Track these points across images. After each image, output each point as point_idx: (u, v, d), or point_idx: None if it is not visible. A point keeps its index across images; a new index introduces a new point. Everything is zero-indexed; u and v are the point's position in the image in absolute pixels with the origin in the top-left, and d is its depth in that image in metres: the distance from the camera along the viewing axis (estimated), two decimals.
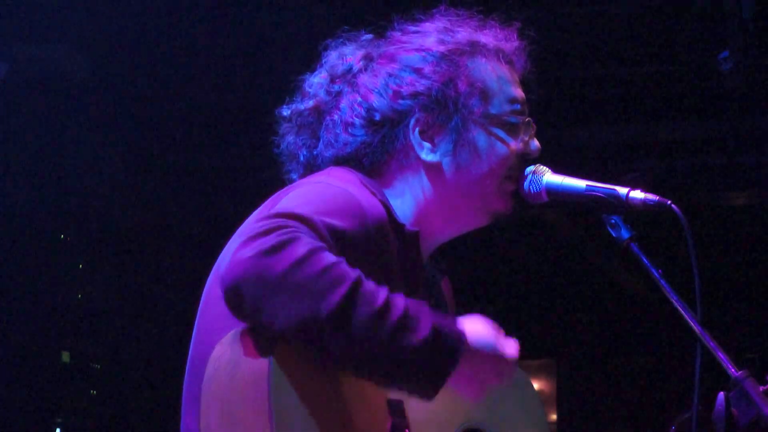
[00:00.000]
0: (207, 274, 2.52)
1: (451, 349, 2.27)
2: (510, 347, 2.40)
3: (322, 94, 2.70)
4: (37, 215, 6.61)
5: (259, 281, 2.15)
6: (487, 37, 2.71)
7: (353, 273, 2.20)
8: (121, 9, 5.88)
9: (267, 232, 2.18)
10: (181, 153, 7.18)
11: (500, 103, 2.66)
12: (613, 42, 6.37)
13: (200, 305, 2.49)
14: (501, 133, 2.64)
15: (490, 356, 2.35)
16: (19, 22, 5.90)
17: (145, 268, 7.37)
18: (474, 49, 2.67)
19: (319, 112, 2.70)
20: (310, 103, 2.71)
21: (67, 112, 6.58)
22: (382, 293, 2.22)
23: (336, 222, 2.32)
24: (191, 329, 2.51)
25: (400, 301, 2.24)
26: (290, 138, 2.73)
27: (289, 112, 2.74)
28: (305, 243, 2.18)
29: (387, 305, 2.21)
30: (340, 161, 2.65)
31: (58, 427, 6.74)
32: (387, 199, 2.56)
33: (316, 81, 2.73)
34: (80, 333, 6.94)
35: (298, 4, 5.97)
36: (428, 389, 2.27)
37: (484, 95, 2.64)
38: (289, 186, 2.54)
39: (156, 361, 7.22)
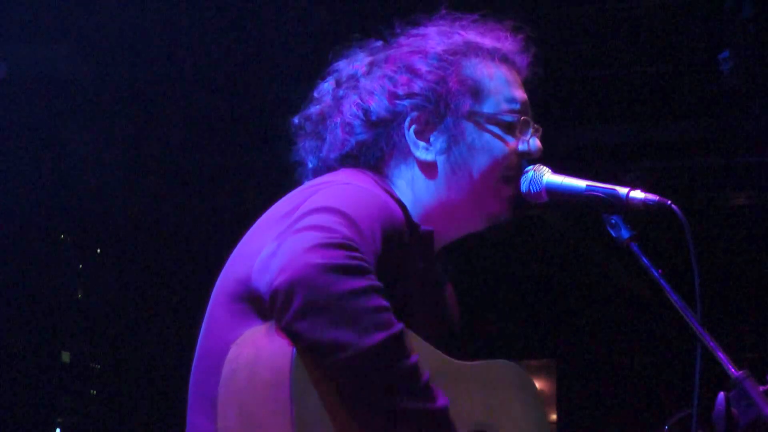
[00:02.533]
0: (207, 274, 2.51)
1: None
2: None
3: (328, 99, 2.73)
4: (37, 215, 6.61)
5: (318, 292, 2.15)
6: (485, 38, 2.71)
7: (398, 324, 2.21)
8: (121, 9, 5.88)
9: (338, 246, 2.18)
10: (181, 153, 7.17)
11: (496, 102, 2.65)
12: (613, 42, 6.37)
13: (210, 302, 2.45)
14: (498, 131, 2.63)
15: None
16: (19, 22, 5.90)
17: (145, 267, 7.36)
18: (468, 49, 2.67)
19: (324, 117, 2.72)
20: (317, 109, 2.74)
21: (67, 112, 6.58)
22: (415, 355, 2.23)
23: (377, 227, 2.33)
24: (192, 329, 2.49)
25: (426, 371, 2.25)
26: (302, 144, 2.75)
27: (298, 119, 2.77)
28: (368, 278, 2.19)
29: (417, 367, 2.22)
30: (342, 160, 2.66)
31: (58, 427, 6.74)
32: (401, 199, 2.55)
33: (325, 87, 2.76)
34: (80, 333, 6.94)
35: (298, 5, 5.97)
36: None
37: (477, 94, 2.64)
38: (315, 183, 2.52)
39: (156, 361, 7.22)
